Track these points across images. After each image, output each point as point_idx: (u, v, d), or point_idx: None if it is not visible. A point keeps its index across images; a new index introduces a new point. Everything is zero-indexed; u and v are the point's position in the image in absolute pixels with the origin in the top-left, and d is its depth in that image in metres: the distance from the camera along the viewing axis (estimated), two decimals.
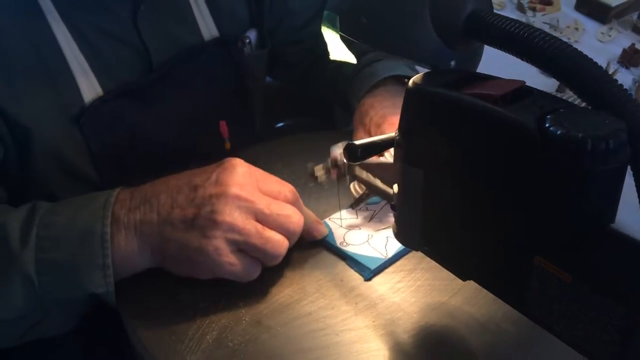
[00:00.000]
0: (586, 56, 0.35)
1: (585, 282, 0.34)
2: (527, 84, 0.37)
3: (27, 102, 0.60)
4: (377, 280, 0.55)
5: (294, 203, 0.54)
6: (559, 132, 0.32)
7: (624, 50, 1.13)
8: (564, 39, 1.09)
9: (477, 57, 0.44)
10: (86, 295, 0.52)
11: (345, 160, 0.54)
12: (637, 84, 1.03)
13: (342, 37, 0.44)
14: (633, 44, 1.15)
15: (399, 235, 0.47)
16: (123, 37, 0.66)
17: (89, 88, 0.64)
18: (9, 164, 0.62)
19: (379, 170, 0.52)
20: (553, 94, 0.42)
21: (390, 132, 0.46)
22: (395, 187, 0.45)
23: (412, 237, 0.46)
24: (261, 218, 0.51)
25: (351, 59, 0.47)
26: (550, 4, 1.28)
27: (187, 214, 0.51)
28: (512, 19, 0.38)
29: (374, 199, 0.61)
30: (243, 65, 0.78)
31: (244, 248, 0.51)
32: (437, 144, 0.40)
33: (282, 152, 0.72)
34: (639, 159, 0.32)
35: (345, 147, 0.48)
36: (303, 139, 0.76)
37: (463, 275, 0.43)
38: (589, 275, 0.34)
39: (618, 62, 1.14)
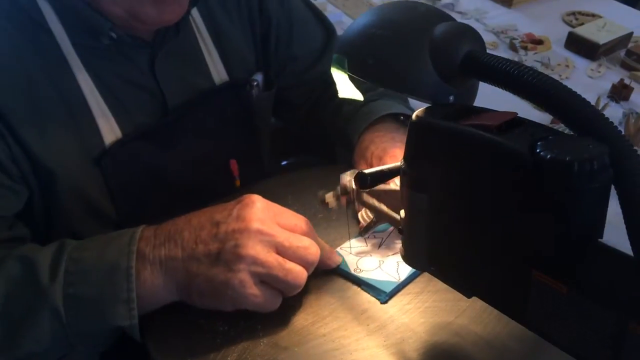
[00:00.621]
0: (571, 90, 0.39)
1: (579, 292, 0.38)
2: (522, 115, 0.42)
3: (52, 144, 0.64)
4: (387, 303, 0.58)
5: (309, 234, 0.58)
6: (548, 157, 0.36)
7: (614, 85, 1.19)
8: (555, 76, 1.15)
9: (473, 92, 0.49)
10: (111, 328, 0.54)
11: (354, 187, 0.58)
12: (627, 117, 1.08)
13: (350, 77, 0.48)
14: (622, 79, 1.20)
15: (406, 258, 0.51)
16: (141, 83, 0.70)
17: (109, 131, 0.68)
18: (33, 204, 0.66)
19: (387, 197, 0.56)
20: (548, 125, 0.45)
21: (391, 163, 0.50)
22: (402, 212, 0.49)
23: (419, 258, 0.49)
24: (281, 251, 0.54)
25: (358, 96, 0.52)
26: (541, 43, 1.35)
27: (212, 249, 0.54)
28: (504, 58, 0.43)
29: (382, 226, 0.65)
30: (251, 106, 0.82)
31: (267, 280, 0.54)
32: (440, 171, 0.44)
33: (290, 186, 0.76)
34: (621, 179, 0.36)
35: (356, 175, 0.52)
36: (309, 173, 0.80)
37: (467, 292, 0.47)
38: (582, 285, 0.38)
39: (608, 96, 1.19)
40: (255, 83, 0.82)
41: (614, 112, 1.12)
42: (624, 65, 1.29)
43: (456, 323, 0.55)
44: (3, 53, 0.60)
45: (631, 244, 0.36)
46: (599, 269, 0.38)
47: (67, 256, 0.55)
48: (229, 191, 0.67)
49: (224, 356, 0.53)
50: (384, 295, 0.58)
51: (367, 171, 0.51)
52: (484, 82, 0.45)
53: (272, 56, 0.86)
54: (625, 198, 0.36)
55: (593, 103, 0.40)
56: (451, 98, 0.47)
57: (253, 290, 0.53)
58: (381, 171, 0.51)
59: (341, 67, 0.48)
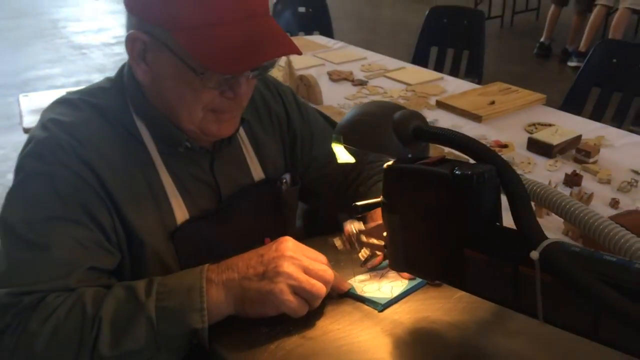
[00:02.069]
0: (475, 139, 0.66)
1: (492, 256, 0.61)
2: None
3: (143, 220, 0.88)
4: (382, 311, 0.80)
5: (327, 264, 0.82)
6: (459, 173, 0.62)
7: (566, 175, 1.46)
8: (520, 171, 1.42)
9: (426, 149, 0.76)
10: (188, 332, 0.75)
11: (354, 231, 0.83)
12: (570, 192, 1.34)
13: (344, 147, 0.76)
14: (574, 171, 1.48)
15: (391, 265, 0.75)
16: (203, 179, 0.96)
17: (180, 213, 0.92)
18: (124, 266, 0.89)
19: (376, 232, 0.81)
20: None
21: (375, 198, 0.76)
22: (384, 233, 0.74)
23: (398, 262, 0.73)
24: (307, 271, 0.77)
25: (351, 159, 0.79)
26: (506, 147, 1.65)
27: (259, 271, 0.77)
28: (437, 127, 0.70)
29: (381, 265, 0.88)
30: (281, 197, 1.07)
31: (298, 291, 0.76)
32: (404, 196, 0.70)
33: (307, 241, 1.00)
34: (505, 184, 0.61)
35: (352, 205, 0.78)
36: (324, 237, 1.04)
37: (431, 278, 0.70)
38: (493, 252, 0.62)
39: (563, 183, 1.46)
40: (284, 180, 1.08)
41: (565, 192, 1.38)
42: (576, 160, 1.58)
43: (431, 316, 0.77)
44: (114, 155, 0.86)
45: (513, 218, 0.60)
46: (500, 240, 0.62)
47: (157, 282, 0.78)
48: None
49: (268, 345, 0.74)
50: (380, 306, 0.81)
51: (358, 203, 0.77)
52: (428, 142, 0.72)
53: (298, 159, 1.12)
54: (507, 192, 0.61)
55: None
56: (409, 155, 0.74)
57: (289, 297, 0.75)
58: (368, 203, 0.77)
59: (338, 141, 0.76)
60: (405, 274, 0.85)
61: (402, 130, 0.72)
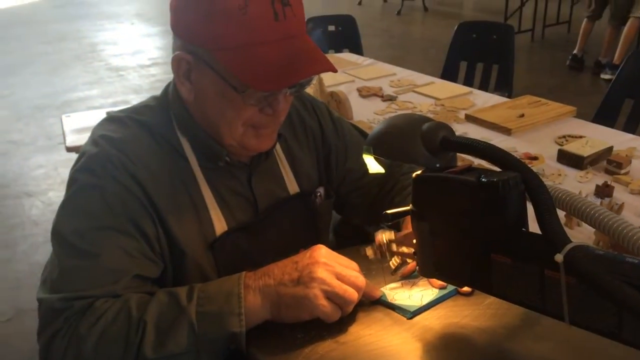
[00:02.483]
0: (501, 149, 0.69)
1: (518, 260, 0.64)
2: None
3: (184, 231, 0.92)
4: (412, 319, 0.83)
5: (359, 271, 0.85)
6: (485, 180, 0.65)
7: (597, 186, 1.46)
8: (550, 182, 1.43)
9: (453, 159, 0.78)
10: (227, 336, 0.78)
11: (385, 241, 0.86)
12: (600, 202, 1.34)
13: (375, 158, 0.80)
14: (605, 182, 1.48)
15: (421, 271, 0.77)
16: (241, 192, 1.01)
17: (219, 225, 0.97)
18: (166, 276, 0.93)
19: (406, 240, 0.84)
20: None
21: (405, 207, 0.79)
22: (414, 240, 0.77)
23: (428, 269, 0.76)
24: (340, 277, 0.80)
25: (381, 169, 0.82)
26: (536, 159, 1.66)
27: (294, 277, 0.80)
28: (464, 137, 0.73)
29: (411, 275, 0.91)
30: (316, 210, 1.11)
31: (331, 296, 0.79)
32: (433, 204, 0.73)
33: (340, 252, 1.03)
34: (529, 191, 0.64)
35: (383, 214, 0.81)
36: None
37: (460, 283, 0.72)
38: (519, 256, 0.64)
39: (594, 194, 1.46)
40: (318, 194, 1.12)
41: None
42: (607, 171, 1.58)
43: (461, 322, 0.79)
44: (160, 169, 0.91)
45: (538, 223, 0.62)
46: (526, 245, 0.64)
47: (197, 288, 0.82)
48: None
49: (302, 349, 0.77)
50: (409, 314, 0.83)
51: (389, 211, 0.80)
52: (455, 152, 0.75)
53: (333, 172, 1.15)
54: (532, 198, 0.63)
55: None
56: (437, 165, 0.77)
57: (323, 302, 0.78)
58: (398, 211, 0.80)
59: (369, 152, 0.80)
60: (436, 282, 0.87)
61: (430, 141, 0.75)
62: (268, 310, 0.81)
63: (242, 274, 0.84)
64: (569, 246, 0.57)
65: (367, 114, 2.11)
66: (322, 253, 0.83)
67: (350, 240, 1.33)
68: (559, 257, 0.57)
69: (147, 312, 0.79)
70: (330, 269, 0.81)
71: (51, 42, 7.21)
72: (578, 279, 0.57)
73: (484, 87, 3.29)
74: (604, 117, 2.71)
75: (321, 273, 0.80)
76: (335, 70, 0.87)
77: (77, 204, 0.87)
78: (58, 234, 0.86)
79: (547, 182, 1.52)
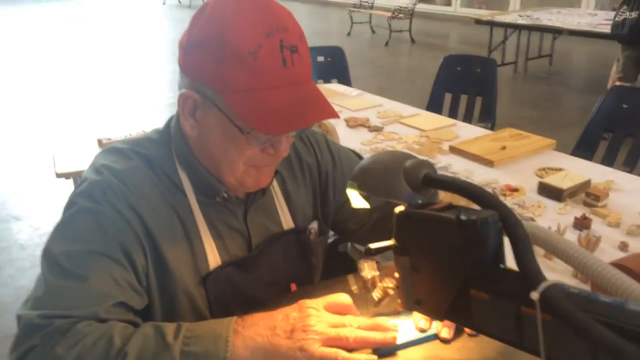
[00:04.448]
0: (479, 187, 0.71)
1: (494, 296, 0.66)
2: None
3: (179, 261, 0.93)
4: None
5: (350, 307, 0.85)
6: (465, 218, 0.67)
7: (576, 218, 1.50)
8: (529, 214, 1.46)
9: (435, 195, 0.80)
10: None
11: (369, 276, 0.87)
12: (579, 235, 1.37)
13: (360, 193, 0.82)
14: (583, 214, 1.52)
15: (403, 305, 0.79)
16: (236, 227, 1.02)
17: (213, 259, 0.98)
18: (155, 308, 0.93)
19: (390, 272, 0.85)
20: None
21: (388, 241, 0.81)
22: (396, 273, 0.78)
23: (409, 302, 0.77)
24: (334, 326, 0.80)
25: (366, 205, 0.84)
26: (517, 190, 1.70)
27: (287, 329, 0.79)
28: (446, 175, 0.75)
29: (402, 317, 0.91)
30: (309, 246, 1.12)
31: (327, 344, 0.78)
32: (413, 239, 0.75)
33: (327, 288, 1.04)
34: (507, 228, 0.66)
35: (366, 248, 0.82)
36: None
37: (439, 317, 0.74)
38: (496, 292, 0.66)
39: (573, 226, 1.49)
40: (313, 230, 1.13)
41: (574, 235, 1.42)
42: (585, 204, 1.62)
43: (442, 354, 0.80)
44: (157, 201, 0.92)
45: (515, 260, 0.64)
46: (503, 280, 0.66)
47: (185, 327, 0.81)
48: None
49: None
50: (379, 351, 0.82)
51: (371, 245, 0.82)
52: (436, 188, 0.77)
53: (331, 203, 1.16)
54: (509, 235, 0.65)
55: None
56: (420, 201, 0.79)
57: (322, 350, 0.77)
58: (381, 246, 0.81)
59: (353, 187, 0.82)
60: (417, 323, 0.88)
61: (413, 178, 0.78)
62: (257, 359, 0.79)
63: (233, 318, 0.82)
64: (544, 284, 0.59)
65: (354, 144, 2.15)
66: (311, 305, 0.83)
67: (337, 268, 1.35)
68: (534, 295, 0.59)
69: (130, 342, 0.78)
70: (322, 319, 0.81)
71: None
72: (553, 316, 0.58)
73: (467, 118, 3.37)
74: (584, 149, 2.78)
75: (314, 324, 0.79)
76: (337, 117, 0.89)
77: (72, 226, 0.88)
78: (48, 254, 0.85)
79: (527, 214, 1.56)
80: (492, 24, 6.37)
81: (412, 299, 0.77)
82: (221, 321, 0.82)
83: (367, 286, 0.90)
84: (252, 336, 0.79)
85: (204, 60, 0.84)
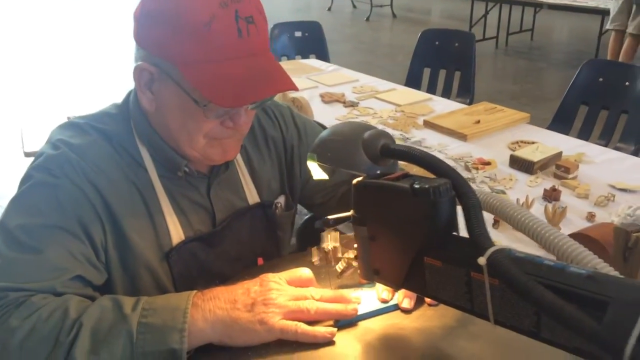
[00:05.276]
0: (435, 156, 0.72)
1: (447, 263, 0.67)
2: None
3: (140, 235, 0.93)
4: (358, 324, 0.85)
5: (311, 279, 0.86)
6: (418, 187, 0.67)
7: (545, 190, 1.52)
8: (501, 187, 1.48)
9: (394, 166, 0.81)
10: (166, 351, 0.75)
11: (330, 248, 0.88)
12: (545, 206, 1.39)
13: (319, 165, 0.82)
14: (553, 186, 1.54)
15: (362, 275, 0.80)
16: (199, 202, 1.01)
17: (176, 234, 0.97)
18: (116, 285, 0.93)
19: (350, 243, 0.86)
20: None
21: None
22: (355, 245, 0.79)
23: (368, 272, 0.78)
24: (296, 298, 0.80)
25: (325, 176, 0.84)
26: (489, 164, 1.71)
27: (248, 302, 0.79)
28: (404, 145, 0.76)
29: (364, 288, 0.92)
30: (275, 221, 1.12)
31: (287, 317, 0.78)
32: (371, 209, 0.75)
33: (294, 261, 1.05)
34: (459, 196, 0.67)
35: (324, 219, 0.83)
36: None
37: (397, 286, 0.75)
38: (448, 259, 0.67)
39: (542, 197, 1.51)
40: (279, 204, 1.13)
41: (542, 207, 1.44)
42: (556, 176, 1.64)
43: (401, 323, 0.82)
44: (117, 177, 0.92)
45: (466, 227, 0.65)
46: (455, 247, 0.67)
47: (144, 300, 0.80)
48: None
49: None
50: (337, 323, 0.83)
51: (329, 217, 0.82)
52: (394, 159, 0.78)
53: (297, 177, 1.16)
54: (461, 202, 0.66)
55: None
56: (378, 172, 0.79)
57: (283, 323, 0.78)
58: (339, 217, 0.82)
59: (313, 159, 0.82)
60: (380, 294, 0.88)
61: (371, 149, 0.78)
62: (217, 333, 0.79)
63: (193, 292, 0.82)
64: (491, 249, 0.60)
65: (329, 120, 2.14)
66: (272, 278, 0.83)
67: (313, 244, 1.35)
68: (482, 260, 0.60)
69: (86, 314, 0.77)
70: (283, 292, 0.81)
71: None
72: (499, 280, 0.60)
73: (446, 93, 3.36)
74: (561, 123, 2.81)
75: (274, 297, 0.80)
76: (296, 89, 0.88)
77: (28, 200, 0.87)
78: (3, 227, 0.84)
79: (498, 186, 1.58)
80: None
81: (370, 269, 0.78)
82: (181, 294, 0.82)
83: (328, 258, 0.90)
84: (211, 309, 0.79)
85: (158, 31, 0.83)
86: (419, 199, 0.68)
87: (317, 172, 0.85)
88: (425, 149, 1.83)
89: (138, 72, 0.88)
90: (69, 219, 0.86)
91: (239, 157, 1.08)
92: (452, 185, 0.68)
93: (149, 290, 0.97)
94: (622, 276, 0.56)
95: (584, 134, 2.76)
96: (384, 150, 0.78)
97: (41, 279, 0.81)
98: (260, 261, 1.10)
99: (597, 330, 0.51)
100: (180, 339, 0.76)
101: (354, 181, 0.78)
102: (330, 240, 0.88)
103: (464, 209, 0.66)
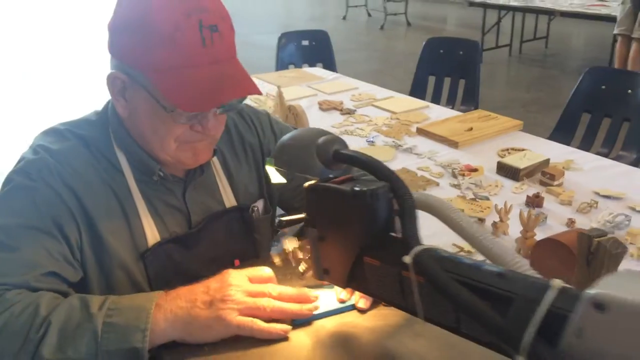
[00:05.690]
0: (381, 163, 0.75)
1: (383, 262, 0.70)
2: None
3: (115, 237, 0.97)
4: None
5: (271, 278, 0.89)
6: (357, 189, 0.71)
7: (528, 196, 1.53)
8: (486, 193, 1.49)
9: (348, 171, 0.84)
10: (128, 350, 0.78)
11: (290, 249, 0.92)
12: (520, 211, 1.40)
13: (276, 169, 0.85)
14: (537, 192, 1.55)
15: (315, 274, 0.83)
16: (175, 205, 1.06)
17: (152, 236, 1.02)
18: (92, 284, 0.97)
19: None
20: None
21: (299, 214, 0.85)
22: (308, 246, 0.83)
23: (319, 272, 0.82)
24: (252, 295, 0.83)
25: (283, 180, 0.88)
26: (476, 170, 1.73)
27: (206, 300, 0.83)
28: (354, 151, 0.79)
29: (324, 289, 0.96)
30: (253, 225, 1.15)
31: (247, 313, 0.81)
32: (320, 211, 0.79)
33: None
34: (396, 198, 0.70)
35: (278, 221, 0.86)
36: None
37: (343, 284, 0.78)
38: (384, 258, 0.70)
39: (525, 204, 1.53)
40: (256, 208, 1.16)
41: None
42: (541, 183, 1.65)
43: (352, 322, 0.85)
44: (94, 181, 0.96)
45: (401, 227, 0.68)
46: (391, 245, 0.70)
47: (110, 299, 0.85)
48: None
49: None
50: (293, 322, 0.86)
51: (283, 218, 0.86)
52: (344, 163, 0.81)
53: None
54: (398, 204, 0.69)
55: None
56: (331, 176, 0.83)
57: (239, 319, 0.81)
58: (292, 219, 0.86)
59: (271, 163, 0.86)
60: (339, 294, 0.92)
61: (324, 154, 0.81)
62: (178, 331, 0.82)
63: (158, 292, 0.86)
64: (417, 248, 0.63)
65: (324, 127, 2.17)
66: (232, 276, 0.87)
67: None
68: (407, 259, 0.63)
69: (55, 312, 0.81)
70: (241, 289, 0.84)
71: None
72: (423, 278, 0.63)
73: (451, 101, 3.38)
74: (564, 131, 2.80)
75: (232, 294, 0.83)
76: (260, 93, 0.93)
77: (7, 202, 0.92)
78: None
79: (483, 192, 1.59)
80: (485, 6, 6.34)
81: (321, 269, 0.82)
82: (147, 294, 0.86)
83: (288, 259, 0.94)
84: (172, 309, 0.83)
85: (127, 40, 0.89)
86: (358, 201, 0.71)
87: (275, 176, 0.88)
88: (415, 156, 1.87)
89: (111, 80, 0.93)
90: (44, 219, 0.90)
91: (216, 162, 1.12)
92: (391, 188, 0.71)
93: (125, 289, 1.01)
94: (535, 274, 0.58)
95: (587, 142, 2.75)
96: (336, 155, 0.81)
97: (15, 274, 0.85)
98: (237, 263, 1.13)
99: (501, 325, 0.54)
100: (143, 339, 0.79)
101: (306, 184, 0.81)
102: (289, 242, 0.92)
103: (399, 211, 0.69)
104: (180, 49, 0.86)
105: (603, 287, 0.47)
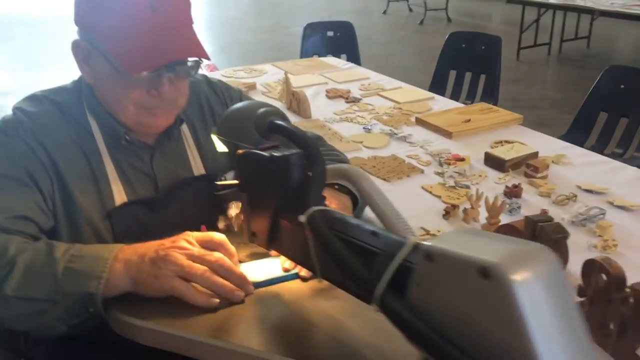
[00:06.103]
0: (304, 134, 0.80)
1: (295, 225, 0.74)
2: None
3: (84, 195, 1.05)
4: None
5: (222, 244, 0.91)
6: (271, 155, 0.76)
7: (507, 187, 1.54)
8: (468, 182, 1.50)
9: (287, 142, 0.89)
10: (83, 295, 0.86)
11: (232, 215, 0.97)
12: (486, 198, 1.42)
13: (218, 137, 0.91)
14: (516, 183, 1.55)
15: (247, 238, 0.89)
16: (143, 170, 1.13)
17: (119, 197, 1.09)
18: (61, 238, 1.06)
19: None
20: None
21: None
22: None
23: (249, 235, 0.87)
24: (194, 258, 0.87)
25: (225, 149, 0.93)
26: (463, 160, 1.74)
27: (153, 257, 0.88)
28: (289, 123, 0.84)
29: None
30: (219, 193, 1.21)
31: (184, 276, 0.85)
32: (248, 177, 0.84)
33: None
34: (310, 165, 0.74)
35: (215, 186, 0.92)
36: None
37: (266, 246, 0.84)
38: (294, 220, 0.74)
39: (503, 193, 1.54)
40: (223, 178, 1.22)
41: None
42: (526, 175, 1.65)
43: (292, 286, 0.90)
44: (66, 143, 1.04)
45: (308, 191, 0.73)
46: (299, 211, 0.75)
47: (75, 247, 0.92)
48: None
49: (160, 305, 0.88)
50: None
51: (218, 182, 0.92)
52: (277, 134, 0.86)
53: None
54: (311, 170, 0.74)
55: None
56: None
57: (175, 282, 0.85)
58: (227, 183, 0.91)
59: (214, 132, 0.91)
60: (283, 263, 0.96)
61: (260, 124, 0.87)
62: (128, 284, 0.87)
63: (119, 245, 0.92)
64: (312, 209, 0.68)
65: (327, 114, 2.22)
66: (184, 237, 0.91)
67: None
68: (302, 218, 0.68)
69: (21, 254, 0.88)
70: (187, 251, 0.88)
71: None
72: (314, 236, 0.67)
73: (471, 96, 3.36)
74: (580, 129, 2.76)
75: (174, 255, 0.87)
76: (207, 57, 0.99)
77: None
78: None
79: (464, 181, 1.61)
80: (523, 3, 6.21)
81: (250, 232, 0.87)
82: (109, 246, 0.92)
83: (231, 224, 0.99)
84: (126, 261, 0.89)
85: (84, 8, 0.97)
86: (273, 165, 0.76)
87: (219, 144, 0.94)
88: (408, 144, 1.89)
89: (74, 48, 1.02)
90: (19, 170, 0.99)
91: (186, 131, 1.19)
92: (306, 156, 0.76)
93: (89, 242, 1.09)
94: (405, 236, 0.62)
95: (602, 142, 2.70)
96: (271, 126, 0.86)
97: None
98: (203, 229, 1.19)
99: (363, 276, 0.58)
100: (97, 286, 0.86)
101: (239, 151, 0.87)
102: (233, 208, 0.98)
103: (312, 176, 0.74)
104: (129, 15, 0.94)
105: (434, 241, 0.51)
